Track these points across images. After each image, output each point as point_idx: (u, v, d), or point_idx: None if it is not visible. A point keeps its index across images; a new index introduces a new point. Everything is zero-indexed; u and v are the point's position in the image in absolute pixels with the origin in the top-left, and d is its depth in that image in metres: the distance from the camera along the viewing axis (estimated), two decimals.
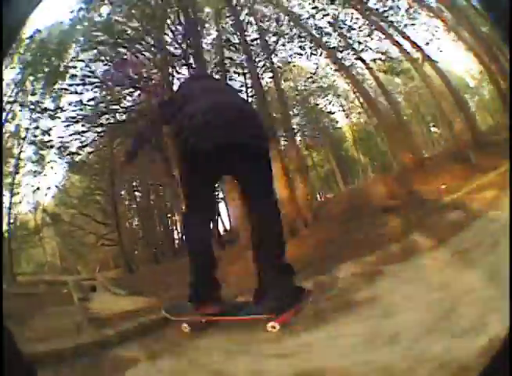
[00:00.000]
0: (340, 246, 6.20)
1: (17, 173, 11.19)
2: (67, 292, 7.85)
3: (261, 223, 2.78)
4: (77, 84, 10.81)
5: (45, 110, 11.03)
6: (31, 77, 10.72)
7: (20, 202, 11.83)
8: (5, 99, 9.97)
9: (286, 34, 10.94)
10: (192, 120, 2.68)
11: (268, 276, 2.67)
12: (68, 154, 11.71)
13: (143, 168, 11.64)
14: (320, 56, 10.97)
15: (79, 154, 11.88)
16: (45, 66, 10.80)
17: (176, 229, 13.26)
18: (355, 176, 14.05)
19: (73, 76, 10.90)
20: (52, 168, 11.86)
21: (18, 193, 11.49)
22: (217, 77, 9.27)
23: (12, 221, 11.48)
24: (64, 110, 11.00)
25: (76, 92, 10.91)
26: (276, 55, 11.09)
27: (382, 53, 10.57)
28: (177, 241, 13.17)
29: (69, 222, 13.18)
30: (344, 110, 12.52)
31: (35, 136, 11.25)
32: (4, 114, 10.00)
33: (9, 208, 10.97)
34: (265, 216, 2.78)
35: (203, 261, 2.90)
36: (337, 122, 13.39)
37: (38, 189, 12.04)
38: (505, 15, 1.44)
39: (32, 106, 11.06)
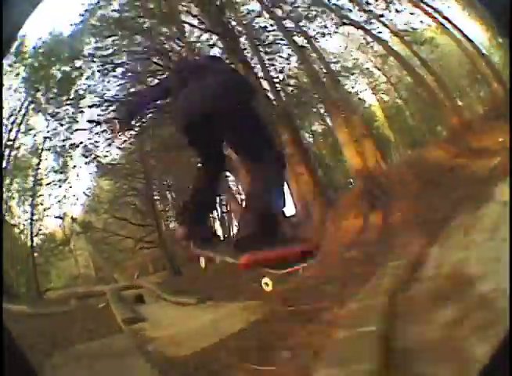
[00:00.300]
0: None
1: (39, 185, 11.37)
2: (105, 307, 6.74)
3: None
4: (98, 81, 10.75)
5: (65, 116, 10.98)
6: (42, 86, 10.60)
7: (46, 214, 11.72)
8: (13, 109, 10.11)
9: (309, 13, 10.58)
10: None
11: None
12: (94, 158, 11.38)
13: (178, 164, 11.36)
14: (343, 33, 10.68)
15: (107, 157, 11.62)
16: (57, 71, 10.84)
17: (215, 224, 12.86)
18: (388, 155, 13.40)
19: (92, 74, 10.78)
20: (77, 174, 11.65)
21: (41, 205, 11.51)
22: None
23: (36, 234, 11.30)
24: (84, 112, 10.95)
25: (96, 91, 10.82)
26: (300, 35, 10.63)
27: (404, 25, 10.28)
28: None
29: (102, 228, 12.56)
30: (371, 88, 12.19)
31: (56, 145, 11.20)
32: (16, 127, 10.36)
33: (31, 221, 11.04)
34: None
35: (205, 207, 3.06)
36: (365, 101, 12.98)
37: (65, 197, 11.78)
38: (505, 12, 1.44)
39: (49, 114, 10.99)
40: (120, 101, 9.82)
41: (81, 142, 11.06)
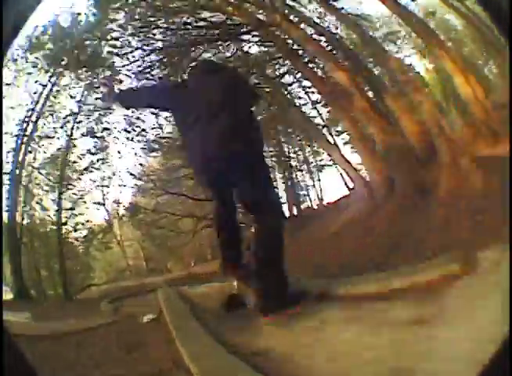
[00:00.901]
0: None
1: (74, 171, 10.75)
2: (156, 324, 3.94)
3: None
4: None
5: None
6: (68, 71, 9.98)
7: (84, 201, 10.90)
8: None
9: None
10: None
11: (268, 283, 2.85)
12: (139, 133, 10.57)
13: None
14: None
15: (154, 129, 10.80)
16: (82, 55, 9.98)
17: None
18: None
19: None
20: (119, 152, 10.84)
21: (78, 191, 10.79)
22: None
23: (73, 225, 10.57)
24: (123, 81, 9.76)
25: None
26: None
27: None
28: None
29: (152, 209, 11.08)
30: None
31: (90, 123, 10.49)
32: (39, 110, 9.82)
33: (66, 211, 10.39)
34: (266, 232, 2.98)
35: (231, 237, 3.27)
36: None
37: (105, 179, 11.08)
38: (505, 15, 1.41)
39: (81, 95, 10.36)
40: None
41: (124, 117, 10.48)
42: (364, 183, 8.61)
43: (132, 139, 10.64)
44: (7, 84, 8.70)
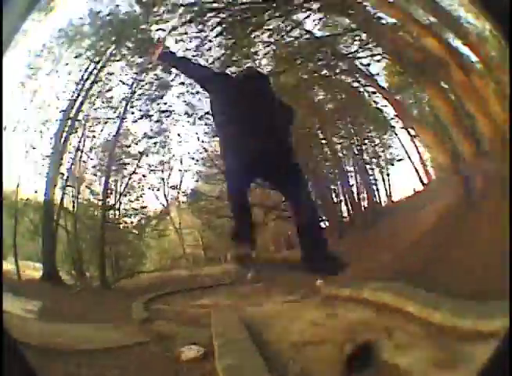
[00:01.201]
0: None
1: (128, 156, 10.14)
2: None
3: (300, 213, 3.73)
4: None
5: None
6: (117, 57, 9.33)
7: (139, 186, 10.39)
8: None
9: None
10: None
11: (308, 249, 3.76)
12: (202, 117, 9.65)
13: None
14: None
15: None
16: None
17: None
18: None
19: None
20: (179, 135, 10.17)
21: (133, 174, 10.23)
22: None
23: (126, 211, 10.16)
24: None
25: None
26: None
27: None
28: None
29: (216, 196, 10.08)
30: None
31: (147, 104, 9.73)
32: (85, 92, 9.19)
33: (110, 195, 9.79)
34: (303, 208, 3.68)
35: (245, 216, 3.67)
36: None
37: (163, 164, 10.51)
38: (505, 14, 1.47)
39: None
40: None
41: (184, 101, 9.79)
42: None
43: (194, 123, 9.97)
44: (46, 74, 8.48)
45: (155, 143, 10.14)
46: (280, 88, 8.85)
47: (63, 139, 8.82)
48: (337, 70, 9.73)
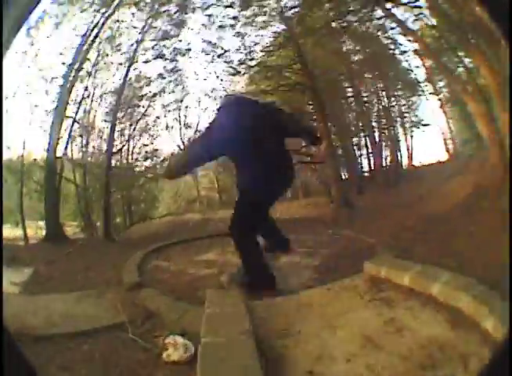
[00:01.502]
0: None
1: (140, 98, 9.68)
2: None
3: None
4: None
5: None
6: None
7: (155, 125, 10.07)
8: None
9: None
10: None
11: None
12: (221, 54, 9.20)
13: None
14: None
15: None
16: None
17: None
18: None
19: None
20: (196, 73, 9.66)
21: (145, 116, 9.89)
22: None
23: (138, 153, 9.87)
24: None
25: None
26: None
27: None
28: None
29: None
30: None
31: (161, 50, 9.22)
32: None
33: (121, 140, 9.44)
34: None
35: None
36: None
37: (178, 102, 10.02)
38: (505, 12, 1.43)
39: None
40: None
41: (202, 39, 9.28)
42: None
43: (212, 61, 9.44)
44: (47, 36, 7.96)
45: (170, 82, 9.78)
46: (305, 30, 8.89)
47: (68, 91, 8.27)
48: (370, 22, 9.23)
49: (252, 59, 9.42)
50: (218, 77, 9.62)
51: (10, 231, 7.58)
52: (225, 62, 9.40)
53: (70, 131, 8.39)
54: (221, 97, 9.49)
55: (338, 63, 9.79)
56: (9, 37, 1.55)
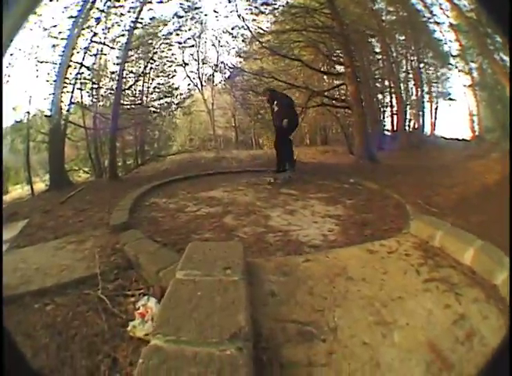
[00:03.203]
0: None
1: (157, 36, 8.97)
2: None
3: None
4: None
5: None
6: None
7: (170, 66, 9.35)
8: None
9: None
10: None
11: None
12: None
13: None
14: None
15: None
16: None
17: None
18: None
19: None
20: (215, 11, 8.89)
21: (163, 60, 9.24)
22: None
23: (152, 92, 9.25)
24: None
25: None
26: None
27: None
28: None
29: (255, 72, 9.06)
30: None
31: None
32: None
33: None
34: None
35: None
36: None
37: (195, 39, 9.33)
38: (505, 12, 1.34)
39: None
40: None
41: None
42: None
43: (235, 0, 8.64)
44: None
45: (186, 20, 9.11)
46: None
47: (75, 39, 7.58)
48: None
49: (277, 0, 8.67)
50: (239, 16, 8.79)
51: (21, 191, 7.23)
52: (248, 1, 8.63)
53: (78, 77, 7.82)
54: (242, 35, 9.10)
55: (369, 17, 9.09)
56: (9, 37, 1.54)
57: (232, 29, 9.08)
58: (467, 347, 1.75)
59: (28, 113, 7.39)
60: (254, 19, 8.92)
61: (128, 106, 8.55)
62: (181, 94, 9.51)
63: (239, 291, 1.76)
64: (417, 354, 1.69)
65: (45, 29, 7.12)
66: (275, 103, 6.56)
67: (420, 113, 9.69)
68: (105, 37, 8.02)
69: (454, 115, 9.20)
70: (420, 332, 1.85)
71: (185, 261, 2.11)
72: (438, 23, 8.63)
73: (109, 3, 7.86)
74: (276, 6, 8.69)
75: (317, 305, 2.02)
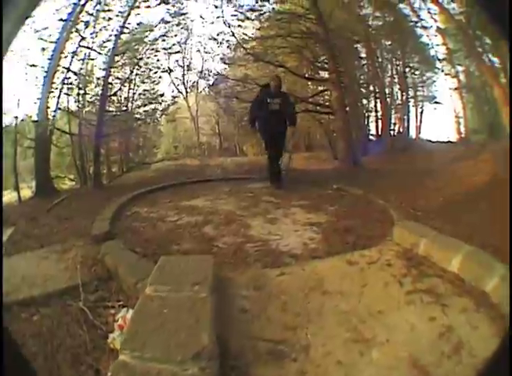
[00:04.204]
0: None
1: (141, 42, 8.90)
2: None
3: None
4: None
5: None
6: None
7: (155, 73, 9.39)
8: None
9: None
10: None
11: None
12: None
13: None
14: None
15: None
16: None
17: None
18: None
19: None
20: (202, 17, 8.95)
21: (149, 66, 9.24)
22: None
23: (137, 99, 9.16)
24: None
25: None
26: None
27: None
28: None
29: (239, 79, 9.21)
30: None
31: None
32: None
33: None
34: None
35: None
36: None
37: (180, 45, 9.41)
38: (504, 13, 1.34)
39: None
40: None
41: None
42: None
43: (221, 6, 8.73)
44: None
45: (173, 25, 9.13)
46: None
47: (63, 43, 7.50)
48: None
49: (263, 6, 8.77)
50: (225, 22, 8.88)
51: (10, 196, 7.02)
52: (234, 7, 8.72)
53: (65, 82, 7.76)
54: (227, 41, 9.13)
55: (355, 22, 9.10)
56: (9, 37, 1.51)
57: (218, 35, 9.10)
58: (455, 360, 1.71)
59: (16, 117, 7.26)
60: (239, 26, 8.97)
61: (114, 113, 8.53)
62: (165, 101, 9.52)
63: (205, 308, 1.77)
64: (398, 371, 1.66)
65: (37, 31, 7.10)
66: (280, 99, 5.93)
67: (405, 117, 9.75)
68: (93, 42, 7.96)
69: (440, 118, 9.26)
70: (402, 348, 1.80)
71: (154, 276, 2.15)
72: (425, 28, 8.74)
73: (98, 6, 7.84)
74: (262, 12, 8.77)
75: (289, 321, 1.98)
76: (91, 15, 7.72)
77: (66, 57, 7.55)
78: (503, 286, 2.08)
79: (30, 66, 7.05)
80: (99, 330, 2.12)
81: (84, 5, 7.52)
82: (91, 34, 7.85)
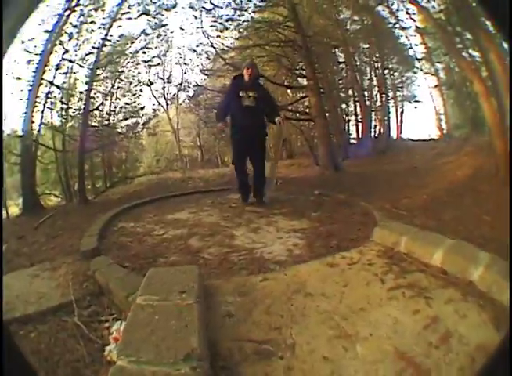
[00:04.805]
0: None
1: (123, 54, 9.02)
2: None
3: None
4: None
5: None
6: None
7: (134, 86, 9.48)
8: None
9: None
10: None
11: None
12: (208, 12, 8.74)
13: None
14: None
15: None
16: None
17: None
18: None
19: None
20: (182, 29, 9.21)
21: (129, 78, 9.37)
22: None
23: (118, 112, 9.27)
24: None
25: None
26: None
27: None
28: None
29: (218, 90, 9.18)
30: None
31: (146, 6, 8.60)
32: None
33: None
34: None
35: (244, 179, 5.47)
36: None
37: (160, 57, 9.58)
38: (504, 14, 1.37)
39: None
40: None
41: None
42: None
43: (200, 17, 8.95)
44: None
45: (153, 37, 9.33)
46: None
47: (47, 56, 7.55)
48: None
49: (242, 15, 8.92)
50: (204, 33, 9.07)
51: None
52: (213, 17, 8.87)
53: (49, 96, 7.86)
54: (206, 52, 9.37)
55: (333, 27, 9.37)
56: (9, 37, 1.54)
57: (197, 46, 9.29)
58: (444, 350, 1.76)
59: (2, 131, 7.17)
60: (218, 36, 9.11)
61: (96, 128, 8.58)
62: (146, 114, 9.61)
63: (192, 314, 1.89)
64: (384, 364, 1.71)
65: (23, 42, 7.13)
66: (256, 93, 4.91)
67: (386, 118, 9.93)
68: (75, 55, 8.06)
69: (420, 116, 9.60)
70: (386, 341, 1.86)
71: (144, 286, 2.25)
72: (403, 29, 9.01)
73: (82, 18, 7.90)
74: (241, 22, 8.89)
75: (274, 323, 2.07)
76: (75, 27, 7.79)
77: (50, 70, 7.61)
78: (489, 274, 2.19)
79: (16, 78, 7.09)
80: (96, 343, 2.21)
81: (68, 16, 7.58)
82: (74, 46, 7.95)
